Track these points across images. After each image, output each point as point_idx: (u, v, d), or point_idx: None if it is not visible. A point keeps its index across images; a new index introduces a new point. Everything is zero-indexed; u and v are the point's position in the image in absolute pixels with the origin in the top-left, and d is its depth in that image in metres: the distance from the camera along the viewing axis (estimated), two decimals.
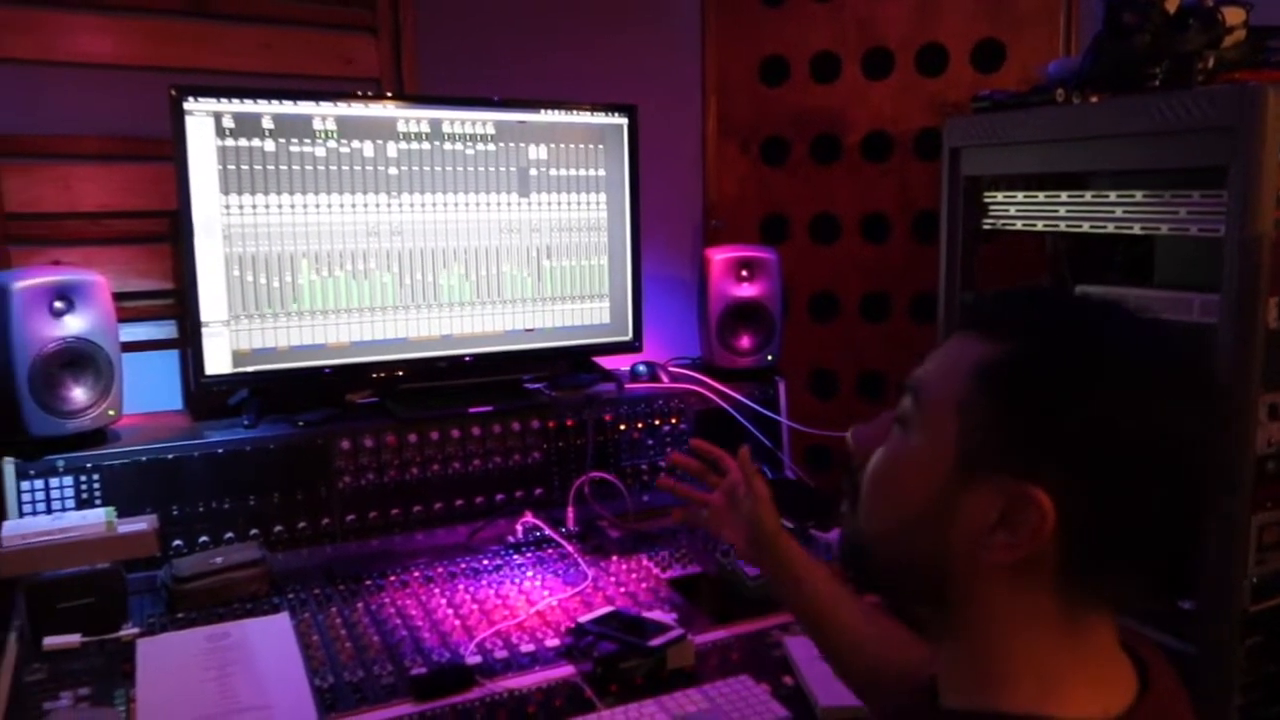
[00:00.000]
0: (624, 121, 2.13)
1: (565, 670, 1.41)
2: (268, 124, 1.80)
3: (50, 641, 1.44)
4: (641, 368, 2.22)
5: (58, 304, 1.63)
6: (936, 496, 0.70)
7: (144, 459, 1.67)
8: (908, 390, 0.75)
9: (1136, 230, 1.52)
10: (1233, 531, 1.37)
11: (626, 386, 2.13)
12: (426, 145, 1.93)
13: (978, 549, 0.69)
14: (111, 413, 1.69)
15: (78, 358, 1.65)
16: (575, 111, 2.08)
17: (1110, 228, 1.56)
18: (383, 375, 1.95)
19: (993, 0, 2.32)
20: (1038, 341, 0.68)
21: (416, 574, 1.71)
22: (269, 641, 1.46)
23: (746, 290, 2.21)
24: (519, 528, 1.86)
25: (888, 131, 2.42)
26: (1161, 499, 0.66)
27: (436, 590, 1.65)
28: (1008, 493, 0.66)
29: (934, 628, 0.77)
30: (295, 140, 1.82)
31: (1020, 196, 1.73)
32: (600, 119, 2.11)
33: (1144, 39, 1.53)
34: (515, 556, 1.79)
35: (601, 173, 2.12)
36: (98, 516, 1.54)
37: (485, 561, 1.77)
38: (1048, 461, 0.65)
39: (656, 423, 2.09)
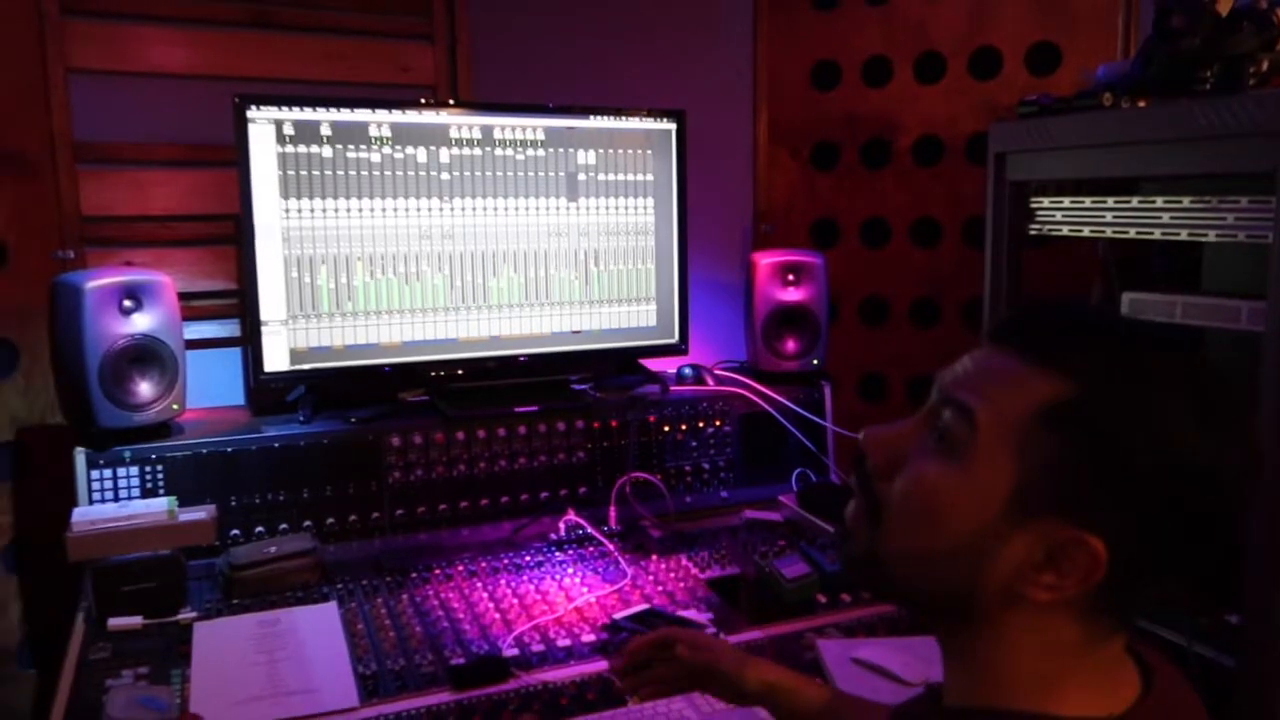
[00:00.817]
0: (672, 127, 2.15)
1: (599, 665, 1.44)
2: (325, 131, 1.86)
3: (114, 622, 1.52)
4: (687, 370, 2.24)
5: (126, 303, 1.71)
6: (982, 532, 0.68)
7: (204, 451, 1.75)
8: (953, 407, 0.71)
9: (1183, 236, 1.49)
10: (1277, 546, 1.34)
11: (671, 389, 2.15)
12: (478, 151, 1.98)
13: (1018, 584, 0.68)
14: (175, 407, 1.77)
15: (144, 354, 1.73)
16: (624, 117, 2.11)
17: (1157, 234, 1.54)
18: (442, 374, 2.00)
19: (1049, 2, 2.29)
20: (1104, 385, 0.66)
21: (461, 568, 1.76)
22: (317, 629, 1.52)
23: (792, 294, 2.22)
24: (562, 525, 1.90)
25: (939, 136, 2.41)
26: (1208, 532, 0.66)
27: (479, 584, 1.70)
28: (1060, 536, 0.65)
29: (944, 638, 0.77)
30: (352, 146, 1.89)
31: (1066, 202, 1.71)
32: (649, 124, 2.14)
33: (1193, 42, 1.51)
34: (557, 553, 1.83)
35: (649, 177, 2.14)
36: (160, 505, 1.62)
37: (527, 557, 1.81)
38: (1109, 509, 0.65)
39: (700, 424, 2.11)
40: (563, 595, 1.66)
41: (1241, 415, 0.67)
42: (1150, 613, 1.55)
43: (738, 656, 1.17)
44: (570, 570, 1.76)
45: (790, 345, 2.23)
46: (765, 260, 2.23)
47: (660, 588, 1.70)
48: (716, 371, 2.28)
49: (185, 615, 1.55)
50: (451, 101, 2.10)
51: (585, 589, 1.68)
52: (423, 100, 2.00)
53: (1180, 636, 1.51)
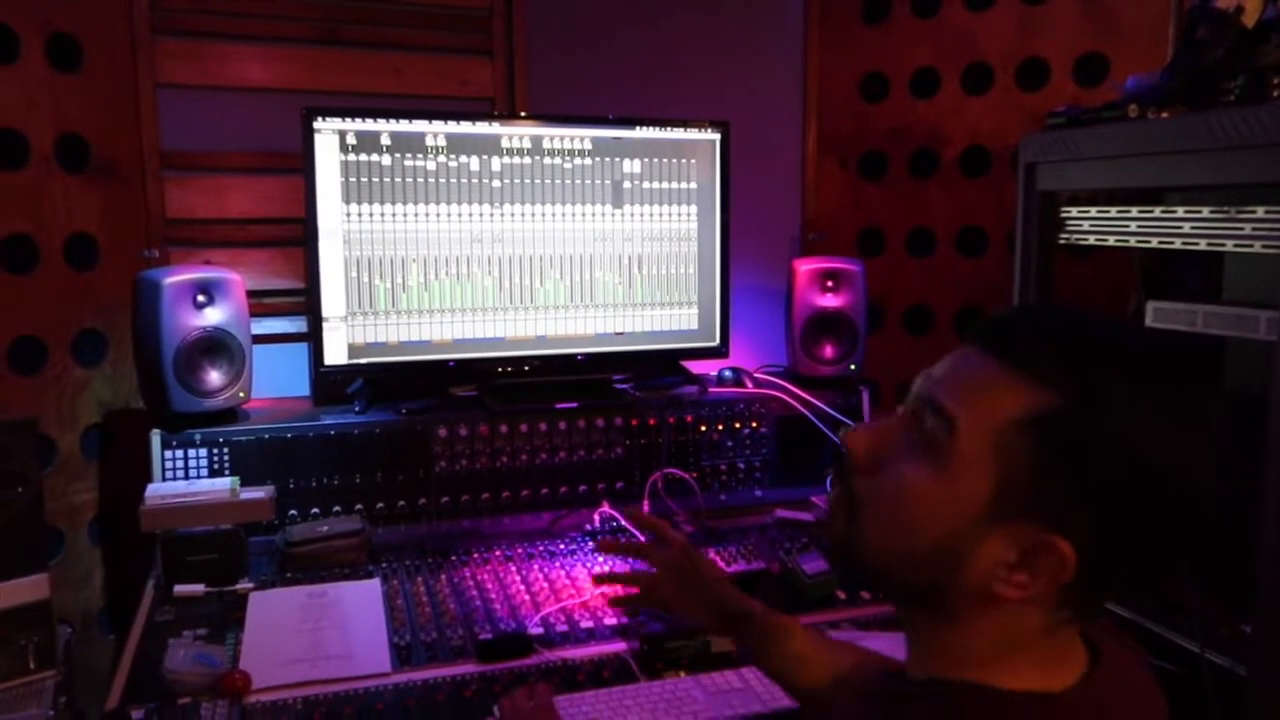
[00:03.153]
0: (716, 137, 2.23)
1: (618, 646, 1.53)
2: (385, 140, 1.99)
3: (179, 589, 1.67)
4: (727, 373, 2.31)
5: (200, 298, 1.86)
6: (958, 533, 0.71)
7: (266, 436, 1.89)
8: (934, 412, 0.73)
9: (1202, 246, 1.51)
10: None
11: (710, 390, 2.22)
12: (528, 160, 2.09)
13: (991, 583, 0.71)
14: (242, 395, 1.91)
15: (215, 345, 1.88)
16: (670, 128, 2.19)
17: (1177, 243, 1.55)
18: (508, 369, 2.12)
19: (1098, 14, 2.29)
20: (1084, 396, 0.67)
21: (498, 553, 1.86)
22: (360, 602, 1.63)
23: (831, 300, 2.27)
24: (596, 517, 1.98)
25: (986, 147, 2.43)
26: (1174, 535, 0.70)
27: (513, 568, 1.79)
28: (1032, 539, 0.68)
29: (912, 622, 0.80)
30: (409, 155, 2.01)
31: (1094, 211, 1.73)
32: (693, 134, 2.21)
33: (1218, 53, 1.52)
34: (590, 543, 1.92)
35: (693, 185, 2.22)
36: (224, 484, 1.75)
37: (562, 546, 1.90)
38: (1081, 516, 0.67)
39: (737, 425, 2.17)
40: (590, 582, 1.74)
41: (1207, 423, 0.69)
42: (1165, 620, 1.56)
43: (721, 574, 1.28)
44: (600, 559, 1.84)
45: (828, 350, 2.28)
46: (804, 267, 2.28)
47: None
48: (756, 375, 2.34)
49: (243, 585, 1.68)
50: (494, 114, 2.19)
51: None
52: (495, 113, 2.11)
53: (1193, 644, 1.52)
